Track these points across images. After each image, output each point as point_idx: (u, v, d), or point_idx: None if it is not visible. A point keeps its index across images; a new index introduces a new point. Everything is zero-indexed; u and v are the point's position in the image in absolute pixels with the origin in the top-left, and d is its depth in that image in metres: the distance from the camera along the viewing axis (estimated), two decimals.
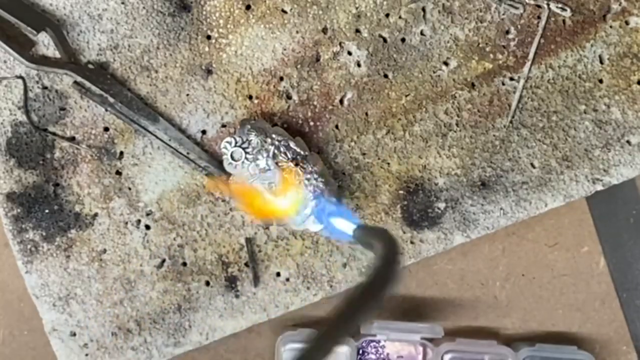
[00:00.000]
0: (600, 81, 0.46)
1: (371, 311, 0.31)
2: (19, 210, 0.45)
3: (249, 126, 0.44)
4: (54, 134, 0.45)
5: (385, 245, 0.34)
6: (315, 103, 0.46)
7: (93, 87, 0.45)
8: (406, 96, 0.46)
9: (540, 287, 0.50)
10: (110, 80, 0.45)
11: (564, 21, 0.46)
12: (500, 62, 0.46)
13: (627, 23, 0.46)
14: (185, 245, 0.46)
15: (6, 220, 0.45)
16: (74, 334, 0.46)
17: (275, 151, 0.44)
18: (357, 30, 0.46)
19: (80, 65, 0.45)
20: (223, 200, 0.46)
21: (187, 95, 0.46)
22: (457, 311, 0.50)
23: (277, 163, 0.43)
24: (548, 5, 0.46)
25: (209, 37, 0.45)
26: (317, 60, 0.46)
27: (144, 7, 0.45)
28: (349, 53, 0.46)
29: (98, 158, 0.46)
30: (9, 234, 0.46)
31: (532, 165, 0.46)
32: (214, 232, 0.46)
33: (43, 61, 0.44)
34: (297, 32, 0.45)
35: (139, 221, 0.46)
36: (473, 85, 0.46)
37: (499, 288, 0.50)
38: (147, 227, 0.46)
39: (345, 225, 0.39)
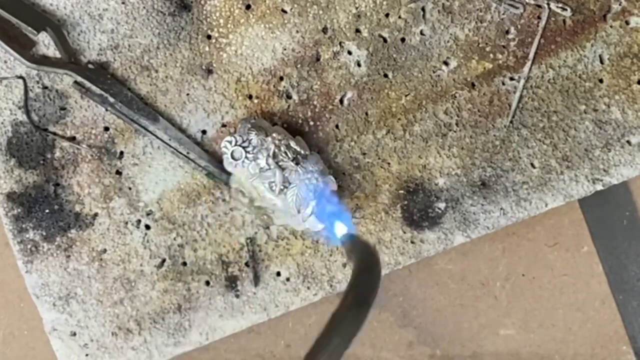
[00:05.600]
0: (601, 81, 0.46)
1: (355, 331, 0.31)
2: (19, 210, 0.45)
3: (249, 125, 0.44)
4: (54, 133, 0.45)
5: (363, 263, 0.34)
6: (315, 103, 0.46)
7: (93, 87, 0.45)
8: (406, 96, 0.46)
9: (540, 287, 0.50)
10: (110, 80, 0.45)
11: (564, 21, 0.46)
12: (501, 62, 0.46)
13: (627, 23, 0.46)
14: (186, 245, 0.46)
15: (6, 220, 0.46)
16: (74, 334, 0.46)
17: (276, 150, 0.44)
18: (357, 30, 0.46)
19: (81, 65, 0.45)
20: (223, 200, 0.46)
21: (187, 94, 0.46)
22: (458, 311, 0.50)
23: (277, 162, 0.43)
24: (548, 5, 0.46)
25: (209, 37, 0.45)
26: (317, 59, 0.46)
27: (144, 7, 0.45)
28: (349, 53, 0.46)
29: (98, 158, 0.46)
30: (9, 234, 0.46)
31: (532, 165, 0.46)
32: (214, 232, 0.46)
33: (43, 61, 0.44)
34: (297, 31, 0.45)
35: (139, 221, 0.46)
36: (473, 85, 0.46)
37: (499, 288, 0.50)
38: (147, 226, 0.46)
39: (339, 229, 0.39)
